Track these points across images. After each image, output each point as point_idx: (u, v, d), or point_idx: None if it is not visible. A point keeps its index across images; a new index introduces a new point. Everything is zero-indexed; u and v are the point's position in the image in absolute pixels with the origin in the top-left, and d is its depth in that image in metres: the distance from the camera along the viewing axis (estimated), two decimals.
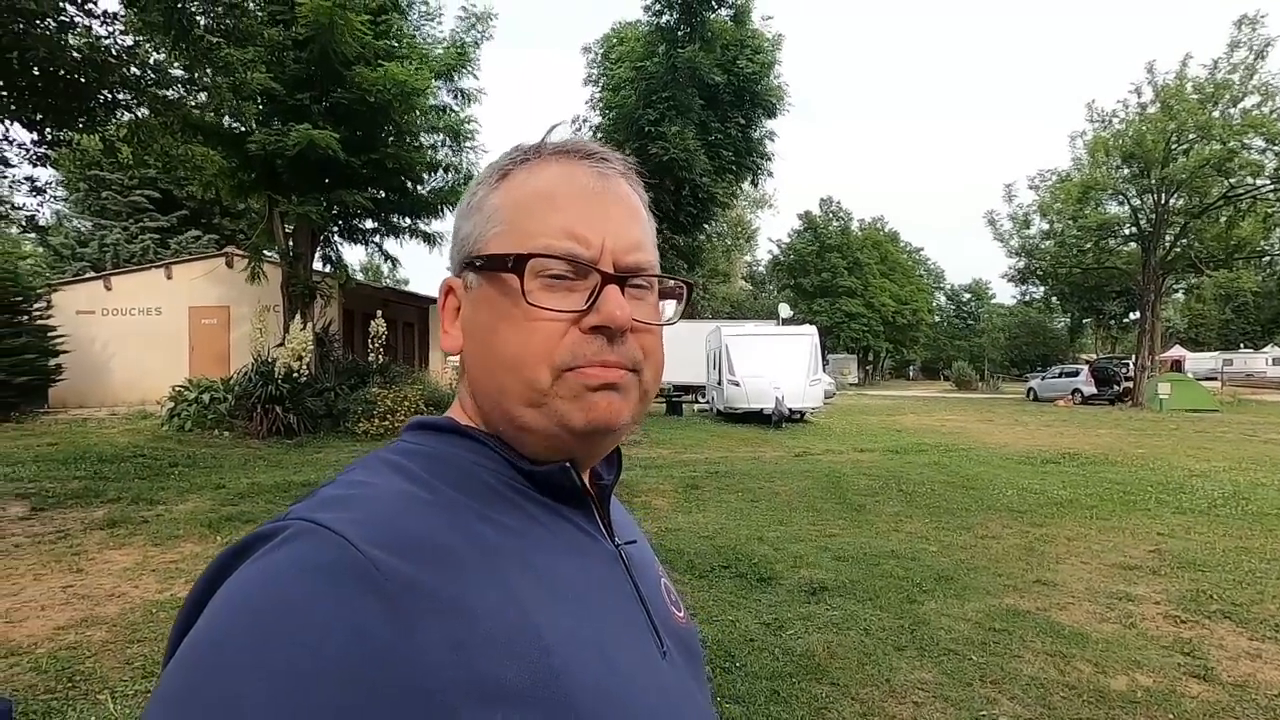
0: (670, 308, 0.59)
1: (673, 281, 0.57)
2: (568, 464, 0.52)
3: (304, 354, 11.18)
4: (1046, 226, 27.69)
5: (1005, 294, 59.63)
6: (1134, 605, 4.21)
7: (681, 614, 0.60)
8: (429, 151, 13.11)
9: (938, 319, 62.04)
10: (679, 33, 10.58)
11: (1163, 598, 4.33)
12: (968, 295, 66.33)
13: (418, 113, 11.77)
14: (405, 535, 0.42)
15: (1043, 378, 29.67)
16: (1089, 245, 26.25)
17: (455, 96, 13.15)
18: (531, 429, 0.51)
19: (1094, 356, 31.56)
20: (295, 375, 10.98)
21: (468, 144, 13.56)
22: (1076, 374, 26.76)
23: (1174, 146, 21.75)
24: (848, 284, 45.15)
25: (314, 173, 11.40)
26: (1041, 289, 31.38)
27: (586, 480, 0.57)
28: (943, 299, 66.24)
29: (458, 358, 0.57)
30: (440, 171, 13.55)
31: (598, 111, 12.35)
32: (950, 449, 11.87)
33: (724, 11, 11.23)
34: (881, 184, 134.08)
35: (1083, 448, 11.88)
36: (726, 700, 3.02)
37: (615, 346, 0.50)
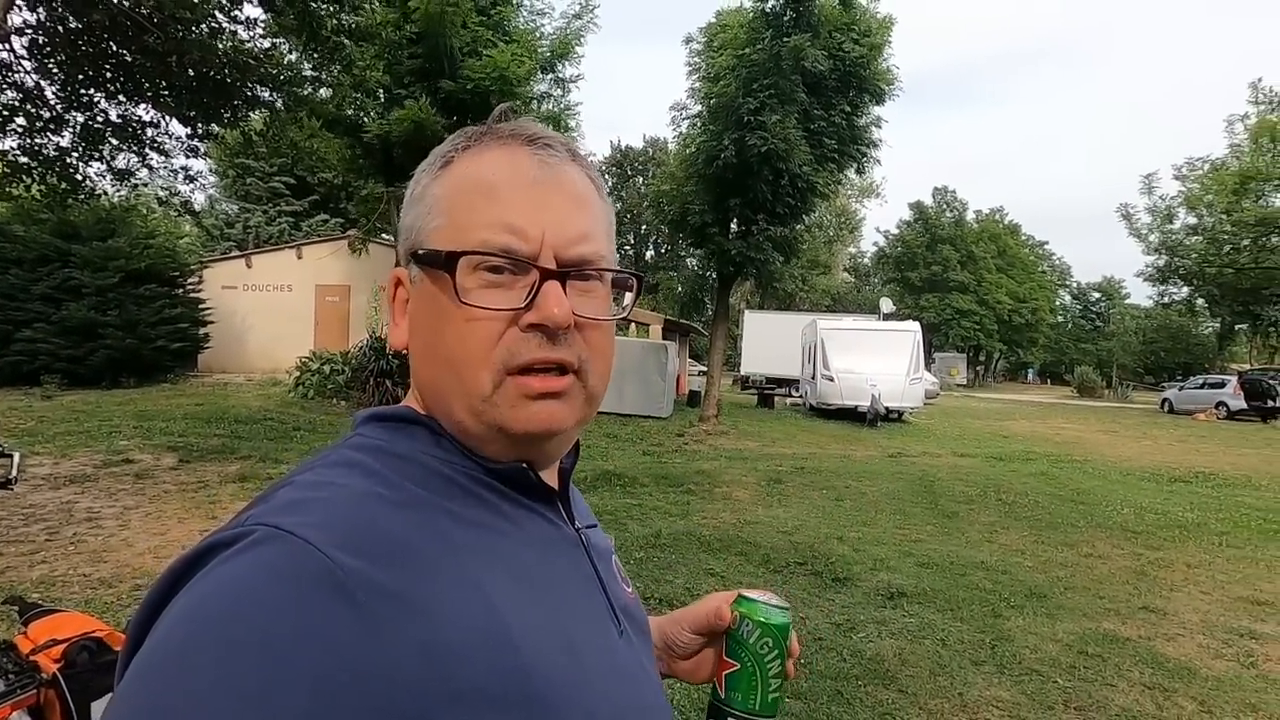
0: (627, 299, 0.57)
1: (623, 273, 0.55)
2: (524, 464, 0.51)
3: None
4: (1194, 221, 25.02)
5: (1140, 294, 54.22)
6: (1258, 644, 3.81)
7: (629, 590, 0.62)
8: None
9: (1060, 319, 57.52)
10: (784, 18, 10.30)
11: None
12: (1097, 295, 61.04)
13: (519, 102, 12.18)
14: (371, 538, 0.41)
15: (1181, 387, 26.82)
16: (1245, 242, 23.47)
17: (556, 86, 13.50)
18: (470, 431, 0.50)
19: (1247, 367, 28.11)
20: (404, 351, 11.74)
21: (569, 133, 13.87)
22: (1222, 385, 23.94)
23: None
24: (959, 278, 42.58)
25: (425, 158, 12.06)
26: (1185, 290, 28.38)
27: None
28: (1068, 298, 61.30)
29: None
30: None
31: (697, 101, 12.27)
32: (1062, 460, 11.06)
33: None
34: (1003, 173, 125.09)
35: (1221, 467, 10.73)
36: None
37: (557, 344, 0.49)
